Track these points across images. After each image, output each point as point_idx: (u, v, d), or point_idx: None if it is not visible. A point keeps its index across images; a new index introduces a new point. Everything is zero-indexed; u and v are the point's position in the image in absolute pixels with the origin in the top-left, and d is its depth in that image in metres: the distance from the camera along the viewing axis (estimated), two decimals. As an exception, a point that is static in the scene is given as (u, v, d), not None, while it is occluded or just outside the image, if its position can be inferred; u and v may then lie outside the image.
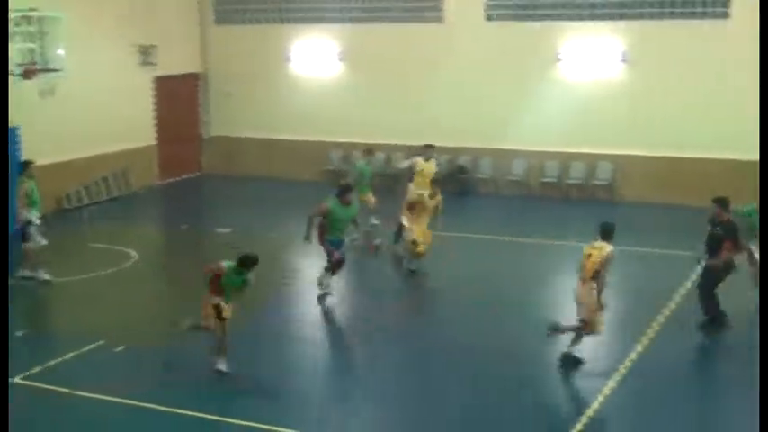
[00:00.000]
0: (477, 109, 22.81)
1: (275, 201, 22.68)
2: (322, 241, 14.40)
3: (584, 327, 11.71)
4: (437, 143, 21.65)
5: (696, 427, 10.57)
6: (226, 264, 11.40)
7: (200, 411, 10.36)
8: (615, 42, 21.64)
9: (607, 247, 11.56)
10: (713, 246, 13.09)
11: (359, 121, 23.95)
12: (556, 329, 12.07)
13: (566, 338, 11.95)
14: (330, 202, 14.27)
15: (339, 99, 24.47)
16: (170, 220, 21.94)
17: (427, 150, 17.85)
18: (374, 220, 18.87)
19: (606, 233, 11.77)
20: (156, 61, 24.01)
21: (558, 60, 22.14)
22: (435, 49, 23.28)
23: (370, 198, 18.85)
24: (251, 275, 11.37)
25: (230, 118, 25.82)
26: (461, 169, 23.12)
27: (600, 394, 10.87)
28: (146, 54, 23.76)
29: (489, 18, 22.84)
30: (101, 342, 12.43)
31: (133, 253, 17.23)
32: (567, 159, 22.48)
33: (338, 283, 14.97)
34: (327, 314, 14.25)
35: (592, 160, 22.24)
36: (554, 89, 22.26)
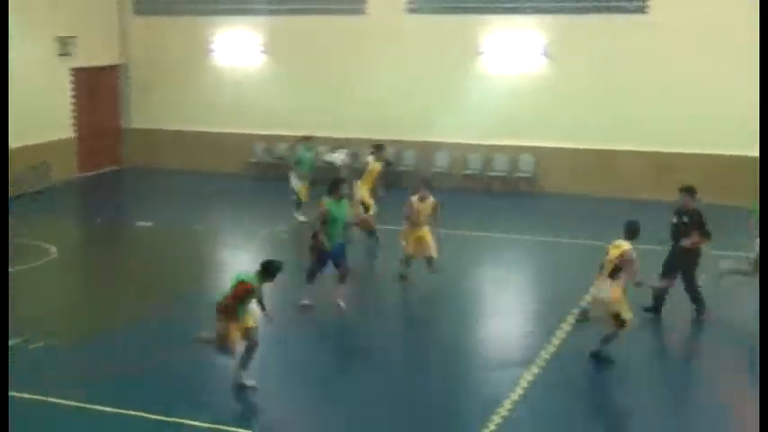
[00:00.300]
0: (401, 101, 22.89)
1: (198, 194, 22.46)
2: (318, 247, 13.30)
3: (619, 325, 11.52)
4: (361, 136, 21.84)
5: (612, 417, 10.83)
6: (250, 278, 10.65)
7: (120, 408, 10.27)
8: (536, 36, 21.94)
9: (624, 245, 11.44)
10: (679, 236, 13.17)
11: (282, 112, 23.85)
12: (584, 318, 12.20)
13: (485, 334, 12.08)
14: (326, 202, 13.25)
15: (263, 91, 24.35)
16: (90, 214, 21.57)
17: (378, 150, 17.77)
18: (301, 217, 18.67)
19: (629, 232, 11.60)
20: (76, 52, 23.60)
21: (480, 54, 22.36)
22: (358, 41, 23.30)
23: (304, 189, 18.81)
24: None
25: (152, 110, 25.49)
26: (386, 162, 23.18)
27: (518, 386, 11.01)
28: (65, 45, 23.33)
29: (411, 11, 22.96)
30: (20, 339, 12.20)
31: (53, 248, 16.93)
32: (489, 152, 22.73)
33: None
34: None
35: (514, 153, 22.53)
36: (476, 82, 22.47)
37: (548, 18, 21.85)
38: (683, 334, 13.45)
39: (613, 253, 11.45)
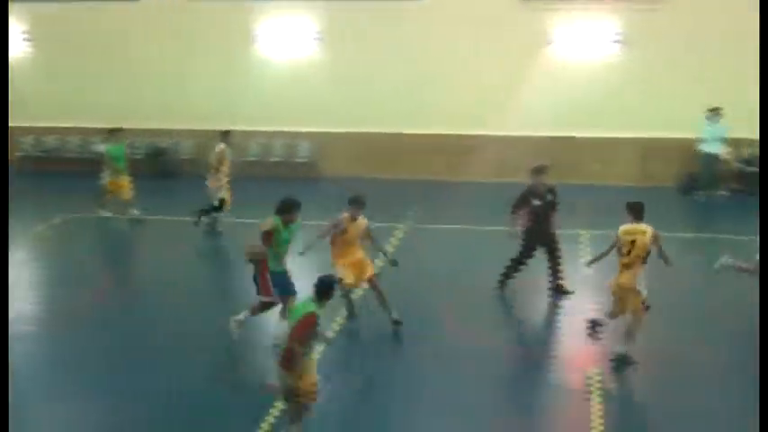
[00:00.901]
0: (178, 89, 22.52)
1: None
2: (264, 272, 11.48)
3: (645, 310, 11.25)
4: (136, 126, 21.26)
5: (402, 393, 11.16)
6: (311, 306, 8.86)
7: None
8: (309, 22, 22.10)
9: (644, 227, 11.13)
10: (542, 216, 13.32)
11: (52, 102, 22.92)
12: (596, 325, 11.57)
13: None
14: (275, 221, 11.31)
15: (26, 79, 23.22)
16: None
17: (227, 136, 17.44)
18: (135, 211, 18.26)
19: (639, 212, 11.31)
20: None
21: (256, 40, 22.30)
22: (133, 27, 22.68)
23: (125, 185, 18.17)
24: None
25: None
26: (160, 151, 22.80)
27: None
28: None
29: (189, -2, 22.61)
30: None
31: None
32: (269, 138, 22.76)
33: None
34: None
35: (292, 138, 22.66)
36: (253, 68, 22.42)
37: (320, 4, 22.03)
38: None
39: (642, 239, 11.05)
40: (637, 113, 20.65)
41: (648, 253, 11.10)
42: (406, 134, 21.86)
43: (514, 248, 13.71)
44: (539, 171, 13.45)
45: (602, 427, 9.58)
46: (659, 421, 9.94)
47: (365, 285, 12.69)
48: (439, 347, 11.82)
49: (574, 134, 21.05)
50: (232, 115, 22.31)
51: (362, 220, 12.30)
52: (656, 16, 20.60)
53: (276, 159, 22.75)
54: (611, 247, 11.39)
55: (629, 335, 11.20)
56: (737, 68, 20.06)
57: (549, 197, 13.34)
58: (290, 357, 8.65)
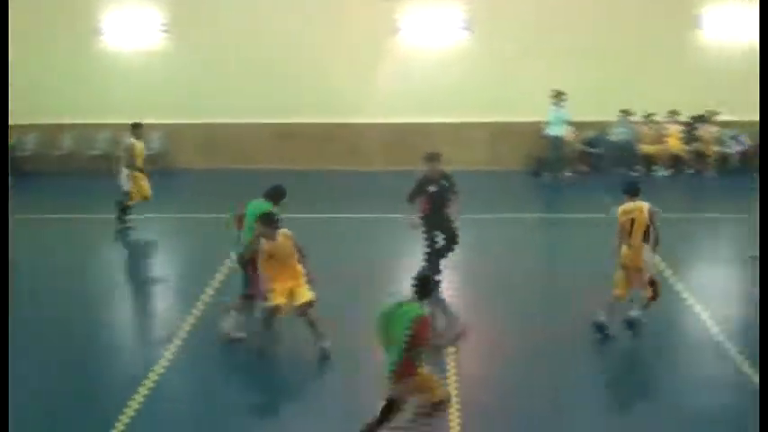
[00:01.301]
0: (19, 81, 21.59)
1: None
2: (256, 270, 11.02)
3: (655, 290, 11.44)
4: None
5: (260, 386, 11.09)
6: (419, 309, 8.34)
7: None
8: (154, 12, 21.60)
9: (640, 204, 11.32)
10: (438, 202, 13.25)
11: None
12: (602, 329, 11.54)
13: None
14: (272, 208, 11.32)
15: None
16: None
17: (138, 129, 16.83)
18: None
19: (635, 191, 11.47)
20: None
21: (101, 32, 21.63)
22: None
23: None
24: None
25: None
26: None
27: (157, 365, 10.99)
28: None
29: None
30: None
31: None
32: (118, 131, 22.10)
33: None
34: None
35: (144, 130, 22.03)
36: (100, 60, 21.77)
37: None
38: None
39: (641, 216, 11.24)
40: (485, 98, 21.10)
41: (648, 229, 11.28)
42: (258, 124, 21.66)
43: (375, 234, 13.80)
44: (432, 158, 13.41)
45: (458, 405, 9.76)
46: (511, 401, 10.10)
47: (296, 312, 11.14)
48: (297, 337, 11.76)
49: (424, 120, 21.35)
50: (73, 107, 21.57)
51: (282, 238, 10.81)
52: (502, 3, 21.11)
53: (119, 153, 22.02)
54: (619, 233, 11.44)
55: (644, 305, 11.46)
56: (580, 53, 20.77)
57: (444, 183, 13.39)
58: (409, 369, 8.17)
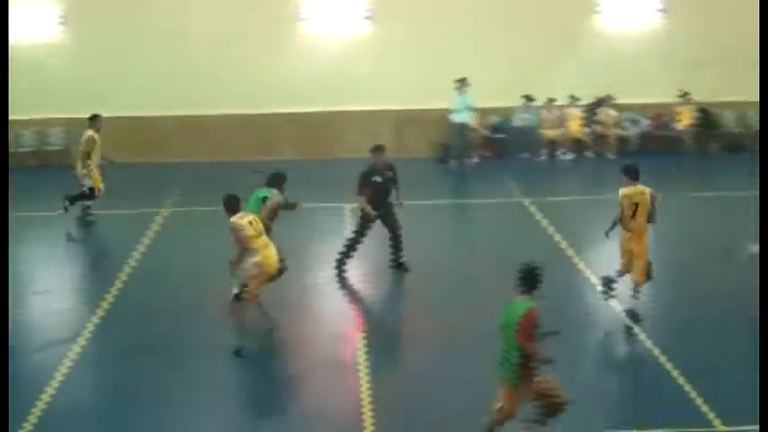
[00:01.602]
0: None
1: None
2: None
3: (649, 272, 11.65)
4: None
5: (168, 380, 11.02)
6: (528, 302, 8.15)
7: None
8: (51, 5, 21.14)
9: (640, 188, 11.48)
10: (383, 193, 13.32)
11: None
12: (609, 282, 11.94)
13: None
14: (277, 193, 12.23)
15: None
16: None
17: (96, 122, 16.32)
18: None
19: (635, 175, 11.57)
20: None
21: None
22: None
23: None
24: None
25: None
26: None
27: (66, 359, 10.86)
28: None
29: None
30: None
31: None
32: (43, 126, 21.60)
33: None
34: None
35: (43, 126, 21.59)
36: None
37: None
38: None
39: (644, 199, 11.43)
40: (390, 87, 21.24)
41: (652, 213, 11.51)
42: (163, 117, 21.37)
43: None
44: (378, 149, 13.54)
45: (370, 398, 9.86)
46: (424, 389, 10.15)
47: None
48: (203, 334, 11.72)
49: (330, 108, 21.39)
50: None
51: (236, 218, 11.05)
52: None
53: (26, 149, 21.57)
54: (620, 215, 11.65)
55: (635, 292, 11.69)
56: (483, 40, 21.08)
57: (389, 173, 13.50)
58: (530, 362, 7.97)
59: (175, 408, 9.87)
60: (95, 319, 12.16)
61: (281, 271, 11.51)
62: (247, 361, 10.85)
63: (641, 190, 11.51)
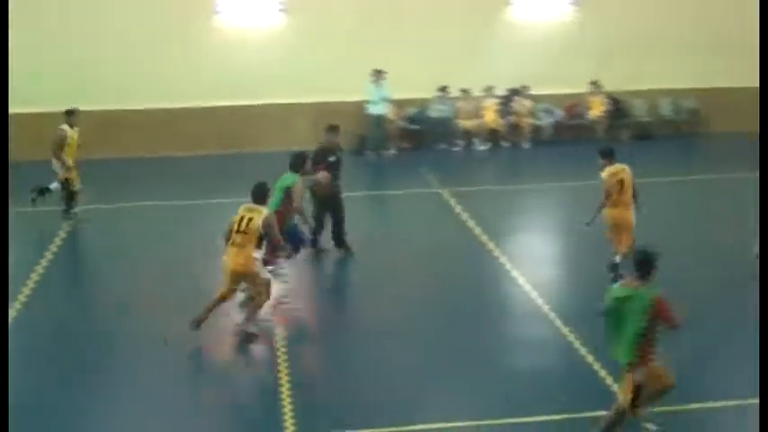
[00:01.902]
0: None
1: None
2: (281, 234, 11.21)
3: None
4: None
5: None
6: (654, 290, 7.95)
7: None
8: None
9: (621, 166, 12.07)
10: (336, 174, 13.47)
11: None
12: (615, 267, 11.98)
13: None
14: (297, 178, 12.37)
15: None
16: None
17: (72, 116, 15.67)
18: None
19: (612, 154, 12.15)
20: None
21: None
22: None
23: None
24: None
25: None
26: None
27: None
28: None
29: None
30: None
31: None
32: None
33: None
34: None
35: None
36: None
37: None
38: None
39: (627, 177, 11.96)
40: (306, 79, 21.15)
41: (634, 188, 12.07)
42: (82, 112, 20.84)
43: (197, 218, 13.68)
44: (332, 129, 13.76)
45: (288, 384, 9.84)
46: (342, 381, 10.12)
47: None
48: (137, 327, 11.54)
49: (247, 102, 21.23)
50: None
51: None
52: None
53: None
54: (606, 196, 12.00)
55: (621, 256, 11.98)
56: (398, 32, 21.16)
57: (340, 154, 13.78)
58: (647, 353, 7.89)
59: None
60: (13, 312, 11.84)
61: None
62: (168, 351, 10.71)
63: (623, 168, 12.12)
